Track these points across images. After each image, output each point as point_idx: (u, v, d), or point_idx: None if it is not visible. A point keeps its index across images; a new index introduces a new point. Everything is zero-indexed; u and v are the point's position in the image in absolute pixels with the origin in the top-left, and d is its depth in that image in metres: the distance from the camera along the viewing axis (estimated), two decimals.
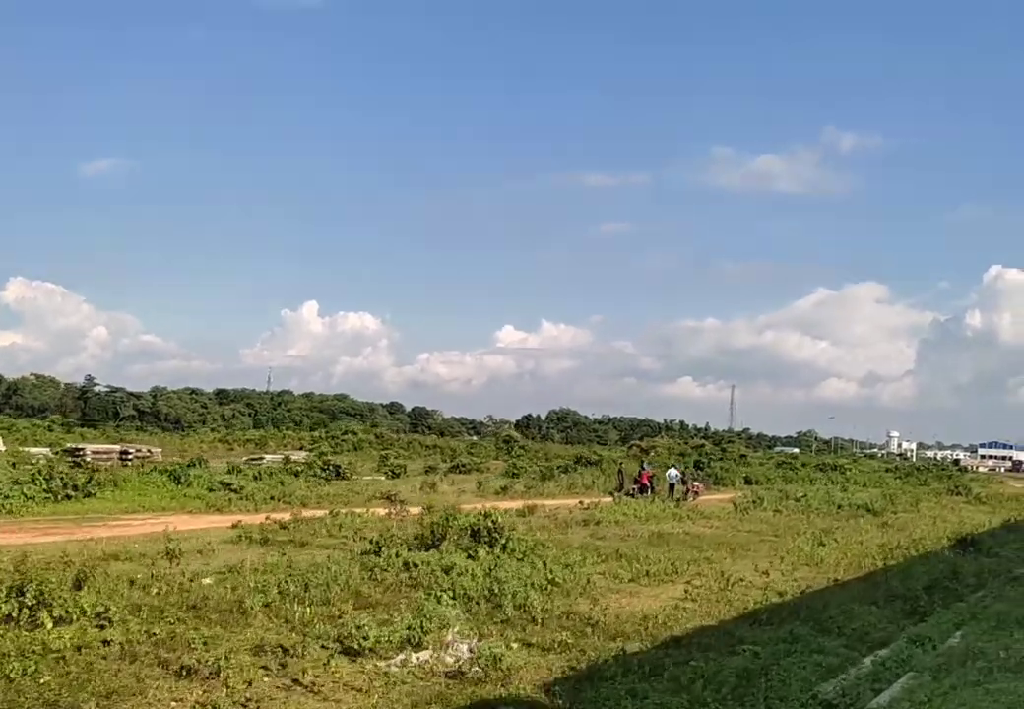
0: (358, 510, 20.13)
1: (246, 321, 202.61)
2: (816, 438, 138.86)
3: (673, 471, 31.30)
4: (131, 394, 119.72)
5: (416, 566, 12.31)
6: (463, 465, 49.20)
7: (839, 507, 27.74)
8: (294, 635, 8.77)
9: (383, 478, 40.15)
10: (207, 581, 11.45)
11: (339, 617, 9.51)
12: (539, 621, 10.33)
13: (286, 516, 17.76)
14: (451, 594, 10.99)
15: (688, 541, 19.35)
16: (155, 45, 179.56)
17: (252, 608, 9.47)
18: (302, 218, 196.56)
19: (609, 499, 26.75)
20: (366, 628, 8.50)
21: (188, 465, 25.75)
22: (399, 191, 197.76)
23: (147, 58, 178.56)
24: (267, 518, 17.11)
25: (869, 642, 10.53)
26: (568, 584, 12.70)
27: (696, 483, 31.48)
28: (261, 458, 51.05)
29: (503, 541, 14.54)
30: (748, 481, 39.07)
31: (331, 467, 39.30)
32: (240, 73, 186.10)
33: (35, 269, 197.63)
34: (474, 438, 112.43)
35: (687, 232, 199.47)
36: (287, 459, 47.15)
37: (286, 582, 10.66)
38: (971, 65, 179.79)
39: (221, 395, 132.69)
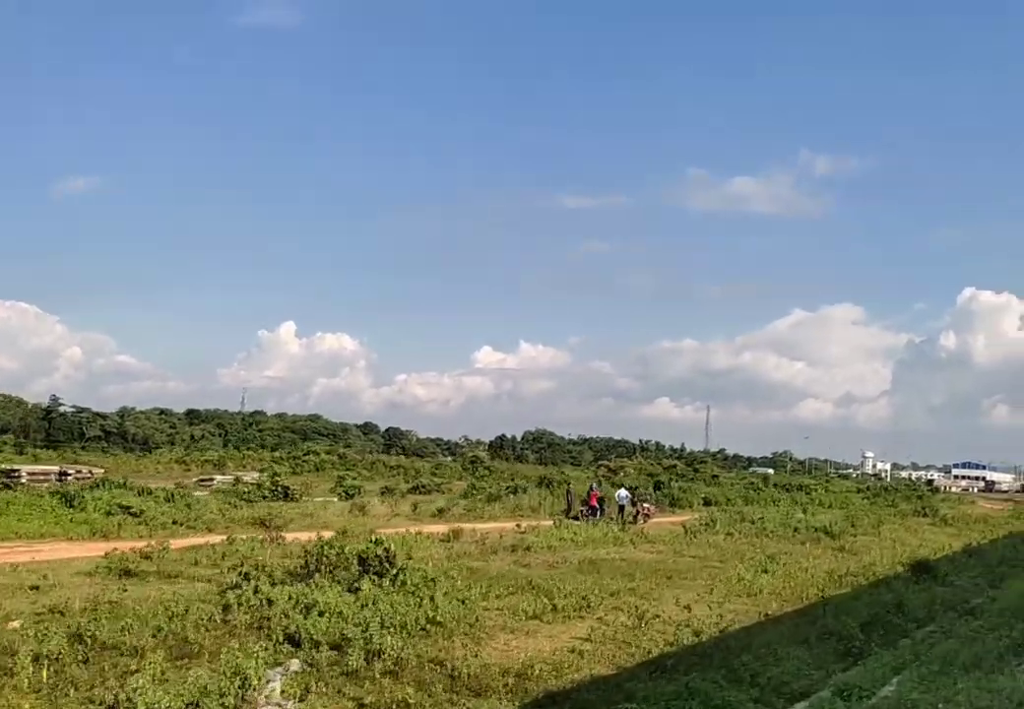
0: (261, 536, 18.34)
1: (223, 341, 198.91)
2: (791, 458, 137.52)
3: (623, 491, 29.60)
4: (97, 414, 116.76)
5: (272, 603, 10.57)
6: (423, 486, 47.75)
7: (795, 530, 26.18)
8: (59, 700, 7.03)
9: (336, 499, 38.56)
10: (14, 625, 9.68)
11: (135, 672, 7.78)
12: (391, 672, 8.63)
13: (171, 543, 15.92)
14: (296, 639, 9.30)
15: (622, 568, 17.72)
16: (133, 64, 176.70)
17: (20, 663, 7.70)
18: (280, 238, 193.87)
19: (550, 522, 25.02)
20: (141, 690, 6.77)
21: (92, 487, 23.78)
22: (376, 212, 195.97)
23: (125, 77, 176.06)
24: (143, 547, 15.24)
25: (787, 694, 8.91)
26: (453, 623, 11.01)
27: (647, 505, 29.81)
28: (212, 479, 49.26)
29: (394, 572, 12.85)
30: (707, 502, 37.45)
31: (280, 488, 37.75)
32: (219, 93, 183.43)
33: (8, 289, 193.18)
34: (448, 459, 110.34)
35: (665, 253, 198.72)
36: (238, 480, 45.43)
37: (89, 627, 8.88)
38: (944, 88, 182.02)
39: (192, 415, 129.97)
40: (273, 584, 11.68)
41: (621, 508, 28.43)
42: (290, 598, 10.75)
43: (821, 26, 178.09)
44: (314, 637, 9.21)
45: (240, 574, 12.30)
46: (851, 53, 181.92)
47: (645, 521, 27.94)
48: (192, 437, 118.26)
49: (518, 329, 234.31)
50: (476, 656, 9.33)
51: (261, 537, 17.27)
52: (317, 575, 11.88)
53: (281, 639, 9.22)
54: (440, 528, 21.90)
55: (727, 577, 16.68)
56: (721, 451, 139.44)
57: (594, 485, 31.22)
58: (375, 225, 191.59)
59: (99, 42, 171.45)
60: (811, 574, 17.32)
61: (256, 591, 11.02)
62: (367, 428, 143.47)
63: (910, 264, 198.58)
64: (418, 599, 11.76)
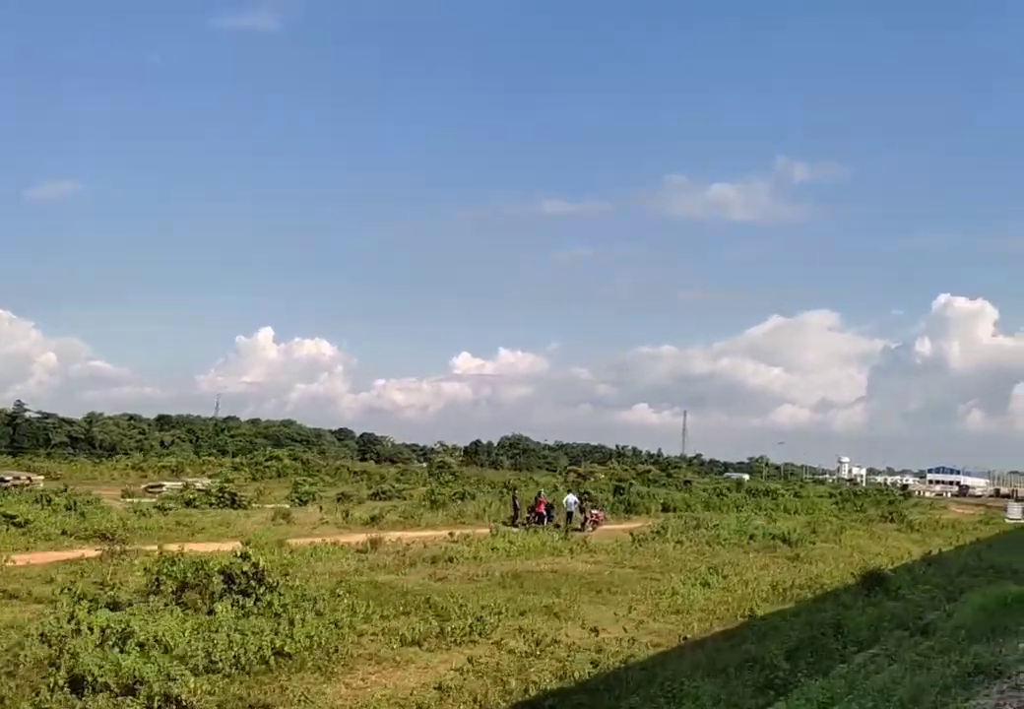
0: (155, 546, 16.52)
1: (201, 347, 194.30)
2: (767, 464, 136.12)
3: (571, 498, 27.97)
4: (63, 420, 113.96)
5: (79, 633, 8.81)
6: (384, 492, 46.60)
7: (752, 537, 24.62)
8: None
9: (287, 506, 37.03)
10: None
11: None
12: None
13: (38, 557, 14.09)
14: (82, 682, 7.57)
15: (549, 582, 16.10)
16: (111, 68, 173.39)
17: None
18: (259, 244, 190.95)
19: (486, 530, 23.33)
20: None
21: None
22: (356, 217, 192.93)
23: (102, 81, 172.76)
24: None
25: None
26: (306, 653, 9.32)
27: (596, 511, 28.20)
28: (161, 486, 47.52)
29: (261, 590, 11.16)
30: (666, 508, 35.94)
31: (227, 495, 36.18)
32: (199, 96, 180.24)
33: None
34: (423, 465, 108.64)
35: (644, 259, 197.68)
36: (187, 486, 43.84)
37: None
38: (921, 97, 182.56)
39: (163, 421, 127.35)
40: (114, 607, 9.95)
41: (569, 514, 26.80)
42: (107, 627, 8.99)
43: (799, 34, 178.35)
44: (100, 679, 7.49)
45: (72, 595, 10.57)
46: (828, 61, 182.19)
47: (594, 528, 26.35)
48: (162, 443, 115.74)
49: (497, 335, 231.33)
50: (306, 699, 7.66)
51: (101, 552, 15.42)
52: (153, 597, 10.13)
53: (62, 682, 7.49)
54: (361, 538, 20.18)
55: (659, 591, 15.11)
56: (698, 456, 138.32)
57: (543, 491, 29.56)
58: (354, 230, 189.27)
59: (77, 45, 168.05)
60: (753, 587, 15.79)
61: (71, 617, 9.26)
62: (342, 434, 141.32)
63: (886, 270, 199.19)
64: (276, 624, 10.09)
